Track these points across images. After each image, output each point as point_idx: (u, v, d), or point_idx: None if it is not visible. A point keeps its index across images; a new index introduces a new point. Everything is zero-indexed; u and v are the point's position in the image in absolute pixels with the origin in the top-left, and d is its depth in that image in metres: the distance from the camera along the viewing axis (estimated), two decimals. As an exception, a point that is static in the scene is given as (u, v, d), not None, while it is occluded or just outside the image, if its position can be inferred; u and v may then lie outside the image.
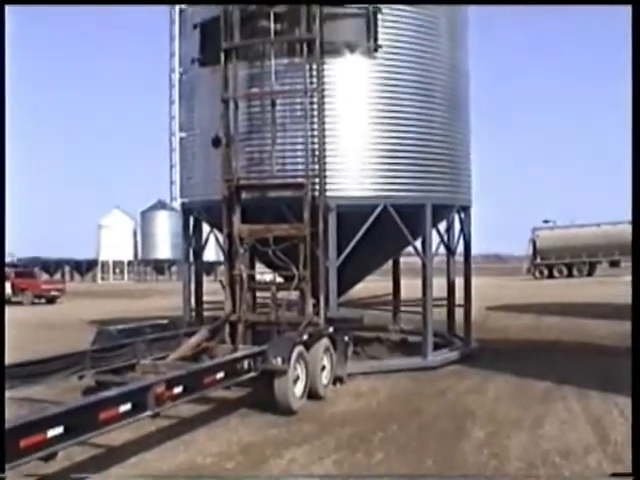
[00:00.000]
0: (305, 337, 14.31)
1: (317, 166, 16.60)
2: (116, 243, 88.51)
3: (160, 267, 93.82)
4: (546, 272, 73.46)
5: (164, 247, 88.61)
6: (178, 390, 10.68)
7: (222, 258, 17.88)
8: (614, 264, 71.48)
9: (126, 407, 9.37)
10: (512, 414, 13.24)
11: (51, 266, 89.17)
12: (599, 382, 15.53)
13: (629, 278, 13.96)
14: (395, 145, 17.54)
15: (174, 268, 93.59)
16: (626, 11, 10.07)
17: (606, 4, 25.06)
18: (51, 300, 48.24)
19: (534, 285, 59.71)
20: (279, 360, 12.97)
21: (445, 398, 15.00)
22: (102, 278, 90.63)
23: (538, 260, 74.53)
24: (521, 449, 10.93)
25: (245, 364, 12.97)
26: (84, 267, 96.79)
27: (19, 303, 45.23)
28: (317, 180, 16.53)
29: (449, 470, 9.94)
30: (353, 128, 17.28)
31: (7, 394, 11.69)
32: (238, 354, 13.80)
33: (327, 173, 16.72)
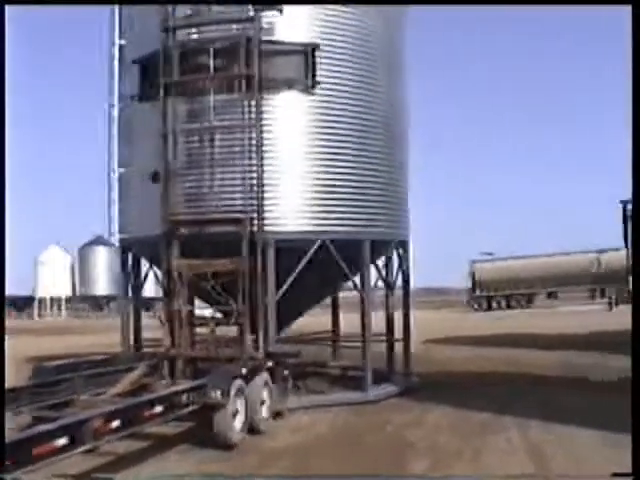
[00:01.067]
0: (244, 370, 14.30)
1: (255, 201, 16.67)
2: (54, 279, 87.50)
3: (99, 303, 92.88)
4: (485, 304, 74.13)
5: (102, 283, 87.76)
6: (116, 424, 10.59)
7: (161, 294, 17.83)
8: (551, 295, 72.56)
9: (63, 441, 9.27)
10: (452, 445, 13.35)
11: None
12: (539, 411, 15.72)
13: (565, 309, 14.20)
14: (333, 180, 17.69)
15: (113, 304, 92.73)
16: (626, 11, 10.22)
17: (606, 4, 25.43)
18: (-14, 338, 47.49)
19: (473, 317, 60.13)
20: (218, 393, 12.92)
21: (385, 431, 15.06)
22: (39, 315, 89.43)
23: (477, 292, 75.21)
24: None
25: (184, 398, 12.88)
26: (21, 303, 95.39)
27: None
28: (255, 215, 16.60)
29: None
30: (291, 163, 17.41)
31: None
32: (177, 387, 13.74)
33: (265, 208, 16.80)
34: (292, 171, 17.40)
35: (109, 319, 77.91)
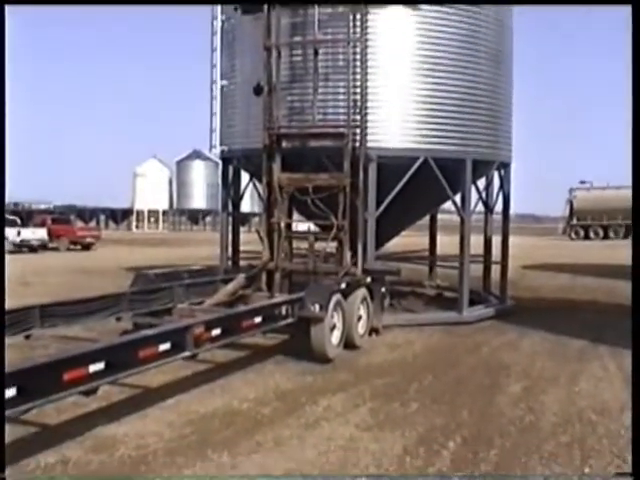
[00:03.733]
0: (343, 286, 14.30)
1: (358, 116, 16.47)
2: (151, 192, 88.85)
3: (195, 217, 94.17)
4: (582, 233, 73.01)
5: (199, 197, 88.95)
6: (216, 332, 10.68)
7: (257, 209, 17.87)
8: (651, 226, 70.78)
9: (165, 346, 9.39)
10: (548, 371, 13.18)
11: (86, 214, 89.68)
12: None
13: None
14: (438, 98, 17.36)
15: (208, 218, 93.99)
16: (626, 11, 9.95)
17: (606, 4, 24.82)
18: (86, 247, 48.63)
19: (570, 246, 59.33)
20: (317, 307, 12.95)
21: (480, 352, 14.97)
22: (137, 227, 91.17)
23: (574, 221, 74.06)
24: (557, 405, 10.88)
25: (283, 310, 12.95)
26: (119, 216, 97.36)
27: (55, 249, 45.56)
28: (358, 130, 16.42)
29: (485, 422, 9.92)
30: (396, 79, 17.10)
31: (47, 332, 11.88)
32: (276, 300, 13.84)
33: (368, 124, 16.59)
34: (396, 87, 17.10)
35: (205, 233, 79.25)
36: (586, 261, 38.56)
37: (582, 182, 77.75)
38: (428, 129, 17.32)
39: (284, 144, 16.95)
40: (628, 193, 65.03)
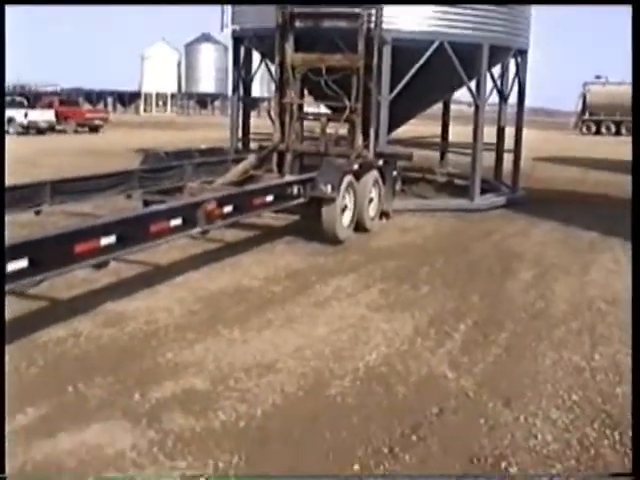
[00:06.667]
0: (355, 167, 14.13)
1: (374, -3, 16.05)
2: (160, 75, 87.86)
3: (203, 101, 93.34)
4: (594, 128, 72.12)
5: (208, 81, 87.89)
6: (228, 209, 10.54)
7: (266, 94, 17.56)
8: (666, 125, 69.73)
9: (177, 222, 9.26)
10: (560, 259, 13.11)
11: (94, 97, 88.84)
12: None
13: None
14: (456, -20, 16.90)
15: (217, 102, 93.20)
16: (626, 11, 9.67)
17: (606, 4, 24.19)
18: (94, 129, 48.16)
19: (582, 140, 58.70)
20: (328, 187, 12.79)
21: (491, 239, 14.91)
22: (145, 110, 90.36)
23: (586, 116, 73.16)
24: (568, 293, 10.82)
25: (294, 190, 12.79)
26: (127, 99, 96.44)
27: (62, 131, 45.24)
28: (373, 11, 16.01)
29: (495, 306, 9.89)
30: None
31: (57, 208, 11.77)
32: (288, 179, 13.67)
33: (384, 5, 16.18)
34: (414, -32, 16.65)
35: (214, 117, 78.73)
36: (598, 155, 38.18)
37: (597, 77, 76.41)
38: (444, 12, 16.87)
39: (297, 23, 16.52)
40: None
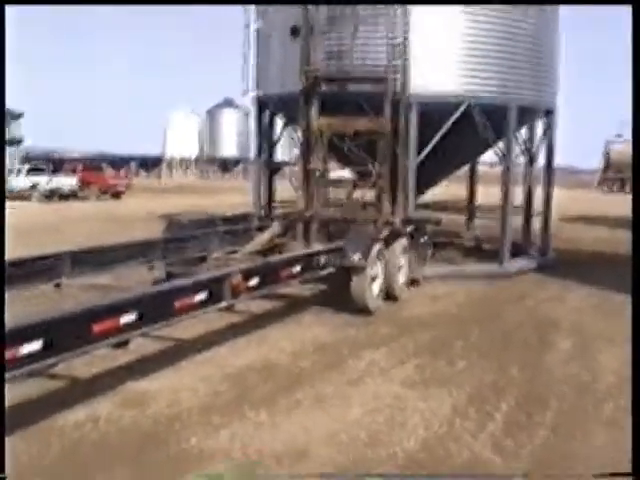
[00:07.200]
0: (384, 234, 13.72)
1: (400, 60, 15.80)
2: (182, 140, 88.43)
3: (225, 165, 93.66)
4: (617, 186, 71.84)
5: (230, 145, 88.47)
6: (254, 282, 10.11)
7: (288, 159, 17.25)
8: (689, 184, 69.01)
9: (202, 296, 8.82)
10: (597, 326, 12.59)
11: (117, 162, 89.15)
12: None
13: None
14: (482, 43, 16.64)
15: (239, 167, 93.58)
16: (626, 11, 9.46)
17: (606, 4, 24.28)
18: (116, 195, 48.04)
19: (606, 199, 58.17)
20: (357, 256, 12.38)
21: (525, 305, 14.41)
22: (167, 175, 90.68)
23: (610, 174, 72.86)
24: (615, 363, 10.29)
25: (322, 259, 12.37)
26: (150, 163, 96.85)
27: (85, 198, 45.19)
28: (399, 75, 15.75)
29: (535, 380, 9.38)
30: (438, 22, 16.41)
31: (77, 281, 11.34)
32: (315, 248, 13.21)
33: (410, 68, 15.92)
34: (439, 31, 16.41)
35: (236, 181, 78.83)
36: (624, 215, 37.67)
37: (618, 135, 76.22)
38: (471, 74, 16.61)
39: (322, 88, 16.26)
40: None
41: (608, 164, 72.96)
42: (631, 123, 8.64)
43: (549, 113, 19.37)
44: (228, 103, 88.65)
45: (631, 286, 7.72)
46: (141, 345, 9.59)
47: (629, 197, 53.92)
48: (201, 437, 7.04)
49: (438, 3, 16.39)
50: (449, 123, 16.17)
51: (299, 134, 16.79)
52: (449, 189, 29.41)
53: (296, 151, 17.91)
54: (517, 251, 19.10)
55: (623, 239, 26.41)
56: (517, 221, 19.81)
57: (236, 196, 35.90)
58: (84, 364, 8.77)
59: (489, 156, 18.61)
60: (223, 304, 9.45)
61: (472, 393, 8.70)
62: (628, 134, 73.61)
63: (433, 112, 16.05)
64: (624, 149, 71.34)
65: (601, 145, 74.88)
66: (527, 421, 7.81)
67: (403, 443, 7.05)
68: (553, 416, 8.01)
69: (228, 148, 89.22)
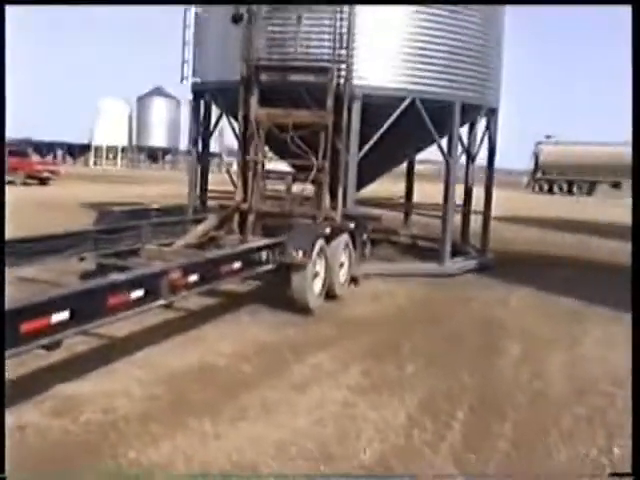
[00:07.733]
0: (327, 230, 13.24)
1: (344, 51, 15.31)
2: (111, 129, 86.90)
3: (154, 155, 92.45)
4: (546, 187, 72.43)
5: (159, 135, 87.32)
6: (194, 278, 9.55)
7: (220, 150, 16.67)
8: (616, 186, 69.93)
9: (138, 294, 8.22)
10: (544, 330, 12.28)
11: (43, 148, 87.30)
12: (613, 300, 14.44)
13: (629, 200, 12.88)
14: (428, 37, 16.17)
15: (168, 157, 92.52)
16: (626, 11, 9.27)
17: (606, 4, 24.40)
18: (43, 181, 46.90)
19: (536, 199, 58.52)
20: (300, 253, 11.88)
21: (470, 308, 14.06)
22: (95, 163, 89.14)
23: (539, 175, 73.38)
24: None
25: (263, 255, 11.86)
26: (77, 151, 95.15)
27: (10, 183, 43.92)
28: (343, 66, 15.28)
29: (488, 386, 8.98)
30: (386, 16, 15.93)
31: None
32: (256, 244, 12.61)
33: (354, 60, 15.46)
34: (386, 24, 15.93)
35: (165, 171, 77.87)
36: (553, 215, 37.98)
37: (548, 137, 76.70)
38: (416, 68, 16.18)
39: (263, 77, 15.71)
40: (594, 150, 63.63)
41: (537, 165, 73.34)
42: (631, 123, 8.35)
43: (492, 111, 19.07)
44: (159, 92, 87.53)
45: (631, 286, 7.38)
46: (70, 343, 8.93)
47: (558, 198, 54.58)
48: (140, 449, 6.47)
49: (386, 3, 15.99)
50: (392, 118, 15.74)
51: (235, 125, 16.18)
52: (382, 185, 29.10)
53: (226, 142, 17.31)
54: (456, 250, 18.77)
55: (556, 240, 26.51)
56: (455, 220, 19.52)
57: (167, 186, 35.30)
58: (9, 363, 8.12)
59: (432, 153, 18.25)
60: (161, 302, 8.87)
61: (425, 400, 8.25)
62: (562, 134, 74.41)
63: (376, 106, 15.61)
64: (553, 150, 71.97)
65: (531, 146, 75.29)
66: (486, 432, 7.38)
67: (359, 456, 6.56)
68: (511, 427, 7.59)
69: (158, 138, 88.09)
